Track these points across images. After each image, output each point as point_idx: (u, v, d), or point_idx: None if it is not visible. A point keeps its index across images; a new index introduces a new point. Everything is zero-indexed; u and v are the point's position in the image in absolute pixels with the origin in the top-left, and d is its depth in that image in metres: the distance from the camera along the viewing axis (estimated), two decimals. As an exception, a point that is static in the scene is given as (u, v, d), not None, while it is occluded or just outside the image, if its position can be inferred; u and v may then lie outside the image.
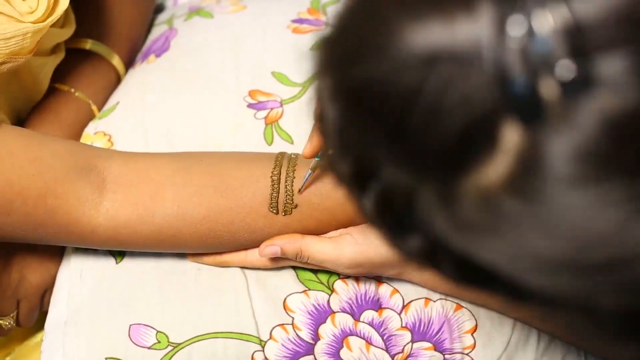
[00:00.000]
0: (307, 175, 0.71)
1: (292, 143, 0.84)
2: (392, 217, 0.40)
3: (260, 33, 0.93)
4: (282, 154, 0.74)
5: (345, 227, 0.73)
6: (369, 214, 0.41)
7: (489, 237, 0.35)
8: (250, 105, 0.86)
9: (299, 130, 0.84)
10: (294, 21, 0.94)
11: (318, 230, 0.73)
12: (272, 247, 0.72)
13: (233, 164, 0.73)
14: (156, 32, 1.00)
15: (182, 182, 0.71)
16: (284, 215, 0.72)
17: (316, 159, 0.71)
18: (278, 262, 0.75)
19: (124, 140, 0.85)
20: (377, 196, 0.39)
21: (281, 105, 0.86)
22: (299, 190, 0.71)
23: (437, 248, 0.39)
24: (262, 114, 0.86)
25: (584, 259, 0.34)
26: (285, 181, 0.71)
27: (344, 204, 0.71)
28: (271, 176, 0.71)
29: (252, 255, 0.75)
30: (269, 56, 0.90)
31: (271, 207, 0.71)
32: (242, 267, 0.77)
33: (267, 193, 0.71)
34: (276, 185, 0.71)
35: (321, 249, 0.71)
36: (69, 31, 0.85)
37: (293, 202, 0.71)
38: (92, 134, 0.87)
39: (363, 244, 0.71)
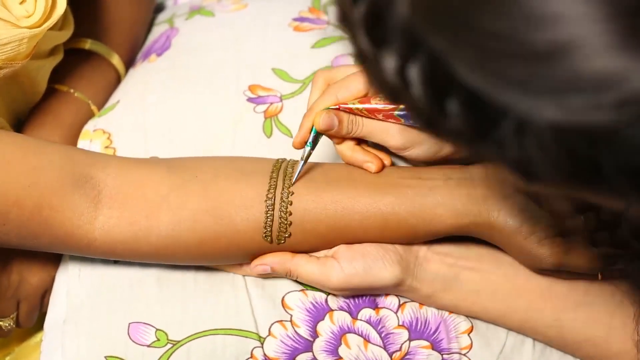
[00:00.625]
0: (299, 167, 0.72)
1: (291, 137, 0.84)
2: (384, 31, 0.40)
3: (261, 31, 0.93)
4: (277, 167, 0.73)
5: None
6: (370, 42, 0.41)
7: (467, 20, 0.36)
8: (250, 100, 0.87)
9: (298, 124, 0.84)
10: (295, 19, 0.94)
11: (310, 252, 0.74)
12: (263, 266, 0.73)
13: (228, 183, 0.72)
14: (157, 31, 1.00)
15: (177, 204, 0.70)
16: (278, 244, 0.72)
17: (307, 146, 0.72)
18: (271, 274, 0.76)
19: (123, 138, 0.86)
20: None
21: (281, 100, 0.87)
22: (292, 183, 0.72)
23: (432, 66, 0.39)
24: (262, 107, 0.86)
25: (531, 41, 0.34)
26: (280, 207, 0.71)
27: (336, 230, 0.72)
28: (265, 200, 0.71)
29: (246, 267, 0.76)
30: (270, 53, 0.91)
31: (265, 236, 0.71)
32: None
33: (261, 220, 0.71)
34: (270, 213, 0.70)
35: (309, 270, 0.73)
36: (67, 33, 0.84)
37: (287, 231, 0.71)
38: (91, 131, 0.87)
39: (349, 273, 0.72)
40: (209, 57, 0.91)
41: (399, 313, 0.76)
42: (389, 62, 0.40)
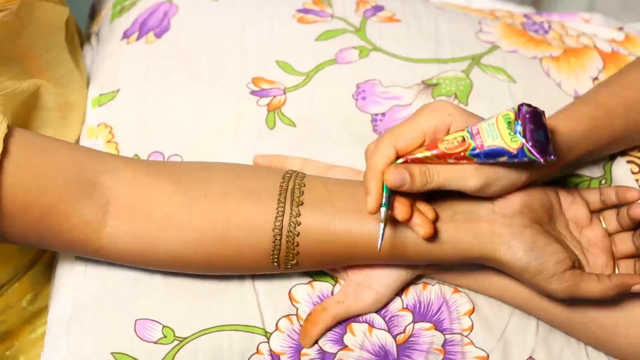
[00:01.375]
0: (381, 232, 0.66)
1: (294, 126, 0.84)
2: None
3: (266, 21, 0.92)
4: (284, 187, 0.71)
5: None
6: None
7: None
8: (253, 92, 0.87)
9: (302, 116, 0.84)
10: (299, 10, 0.94)
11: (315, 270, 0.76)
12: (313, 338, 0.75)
13: (235, 205, 0.70)
14: (151, -1, 0.98)
15: (184, 225, 0.69)
16: (285, 269, 0.72)
17: (383, 207, 0.66)
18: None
19: (124, 132, 0.86)
20: None
21: (284, 93, 0.86)
22: (378, 249, 0.67)
23: None
24: (265, 101, 0.86)
25: None
26: (288, 233, 0.69)
27: (342, 257, 0.72)
28: (273, 229, 0.69)
29: None
30: (274, 46, 0.90)
31: (272, 261, 0.71)
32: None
33: (269, 247, 0.70)
34: (277, 242, 0.69)
35: (355, 311, 0.75)
36: None
37: (294, 258, 0.70)
38: (95, 127, 0.87)
39: (382, 290, 0.74)
40: (211, 48, 0.91)
41: (403, 296, 0.77)
42: None
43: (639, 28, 1.01)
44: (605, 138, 0.75)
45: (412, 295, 0.77)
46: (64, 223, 0.67)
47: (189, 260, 0.70)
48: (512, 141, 0.63)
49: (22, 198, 0.65)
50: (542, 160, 0.63)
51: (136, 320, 0.75)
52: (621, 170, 0.84)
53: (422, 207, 0.70)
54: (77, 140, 0.88)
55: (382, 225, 0.66)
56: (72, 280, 0.78)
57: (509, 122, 0.64)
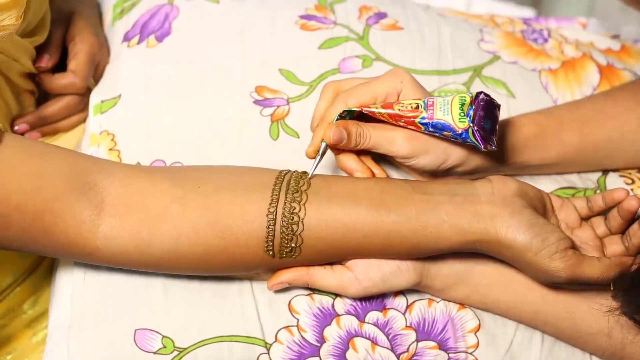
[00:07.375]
0: (315, 163, 0.73)
1: (297, 137, 0.84)
2: None
3: (269, 27, 0.92)
4: (280, 180, 0.72)
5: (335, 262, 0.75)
6: None
7: None
8: (256, 102, 0.86)
9: (305, 126, 0.83)
10: (302, 17, 0.93)
11: (314, 264, 0.74)
12: (281, 284, 0.74)
13: (229, 196, 0.70)
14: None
15: (179, 217, 0.69)
16: (280, 258, 0.71)
17: (319, 156, 0.73)
18: None
19: (127, 139, 0.85)
20: None
21: (288, 103, 0.86)
22: (309, 178, 0.72)
23: None
24: (268, 111, 0.86)
25: None
26: (282, 221, 0.69)
27: (336, 247, 0.71)
28: (267, 215, 0.69)
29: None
30: (276, 53, 0.90)
31: (267, 250, 0.70)
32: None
33: (263, 235, 0.69)
34: (272, 228, 0.69)
35: (326, 284, 0.74)
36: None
37: (289, 246, 0.70)
38: (97, 134, 0.86)
39: (366, 285, 0.73)
40: (214, 53, 0.90)
41: (407, 314, 0.76)
42: None
43: (634, 32, 1.02)
44: (554, 149, 0.81)
45: (416, 312, 0.77)
46: (59, 223, 0.67)
47: (185, 254, 0.70)
48: (460, 121, 0.69)
49: (16, 199, 0.65)
50: (482, 146, 0.69)
51: (136, 330, 0.74)
52: (615, 182, 0.84)
53: (368, 162, 0.77)
54: (78, 147, 0.88)
55: (318, 158, 0.74)
56: (71, 288, 0.77)
57: (463, 104, 0.69)
